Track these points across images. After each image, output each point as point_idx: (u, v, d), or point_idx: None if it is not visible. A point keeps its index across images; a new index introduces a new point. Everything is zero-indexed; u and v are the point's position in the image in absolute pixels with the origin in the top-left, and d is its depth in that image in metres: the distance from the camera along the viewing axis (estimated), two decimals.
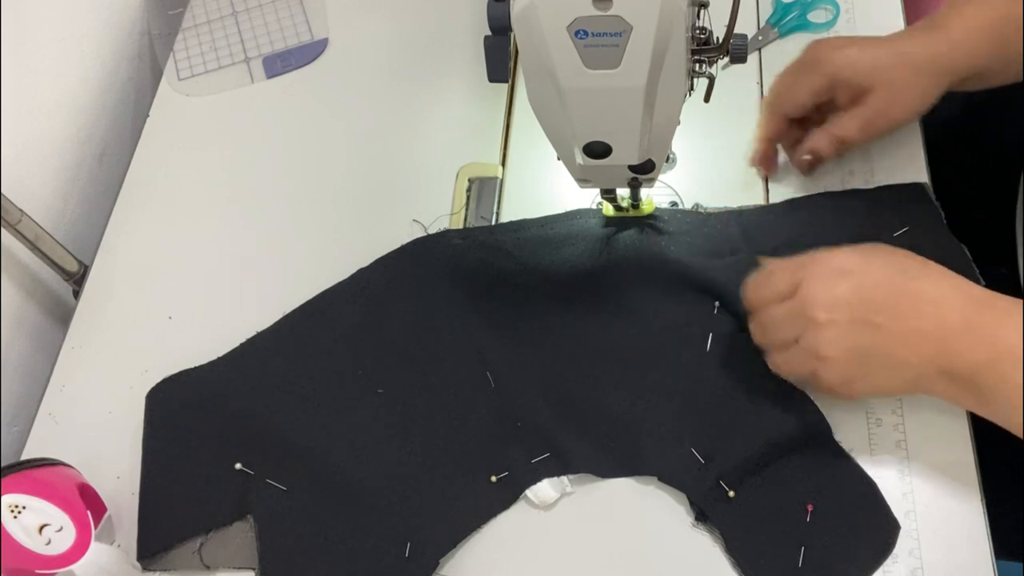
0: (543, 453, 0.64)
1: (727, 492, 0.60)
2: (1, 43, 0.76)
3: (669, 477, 0.62)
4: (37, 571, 0.60)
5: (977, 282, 0.64)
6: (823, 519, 0.60)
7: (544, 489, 0.63)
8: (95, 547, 0.61)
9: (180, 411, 0.69)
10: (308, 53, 0.88)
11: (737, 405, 0.63)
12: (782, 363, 0.61)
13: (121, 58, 0.92)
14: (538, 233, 0.73)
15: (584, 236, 0.72)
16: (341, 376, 0.69)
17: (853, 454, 0.62)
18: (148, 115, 0.87)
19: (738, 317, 0.65)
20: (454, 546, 0.62)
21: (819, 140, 0.69)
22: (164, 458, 0.67)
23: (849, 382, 0.59)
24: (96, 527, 0.61)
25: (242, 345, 0.71)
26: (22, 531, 0.59)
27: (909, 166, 0.72)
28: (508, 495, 0.63)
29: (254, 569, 0.63)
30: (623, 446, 0.63)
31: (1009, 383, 0.54)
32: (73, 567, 0.60)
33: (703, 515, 0.61)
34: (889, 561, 0.58)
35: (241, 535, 0.64)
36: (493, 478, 0.63)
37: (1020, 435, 0.57)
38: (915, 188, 0.70)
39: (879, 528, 0.60)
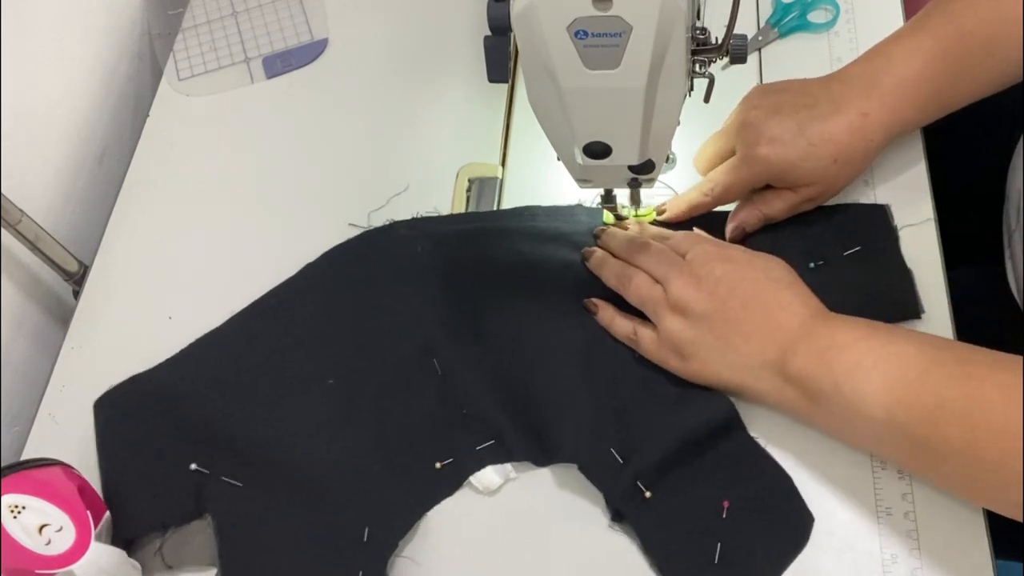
0: (488, 440, 0.65)
1: (643, 492, 0.60)
2: (1, 43, 0.76)
3: (589, 472, 0.62)
4: (37, 571, 0.60)
5: (917, 311, 0.65)
6: (739, 515, 0.60)
7: (488, 475, 0.64)
8: (95, 547, 0.61)
9: (130, 417, 0.69)
10: (308, 53, 0.88)
11: (661, 407, 0.64)
12: (640, 286, 0.65)
13: (121, 58, 0.92)
14: (485, 226, 0.74)
15: (530, 231, 0.72)
16: (291, 370, 0.69)
17: (853, 455, 0.62)
18: (148, 115, 0.87)
19: None
20: (407, 531, 0.63)
21: (748, 216, 0.69)
22: (119, 465, 0.67)
23: (684, 349, 0.62)
24: (96, 527, 0.61)
25: (190, 345, 0.71)
26: (22, 531, 0.59)
27: (910, 169, 0.72)
28: (452, 481, 0.64)
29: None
30: (552, 437, 0.64)
31: (835, 375, 0.57)
32: (73, 567, 0.60)
33: (619, 515, 0.62)
34: (889, 561, 0.58)
35: (200, 533, 0.65)
36: (438, 464, 0.64)
37: (853, 436, 0.60)
38: (877, 209, 0.70)
39: (793, 522, 0.60)
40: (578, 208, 0.74)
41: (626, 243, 0.68)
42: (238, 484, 0.65)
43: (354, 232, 0.75)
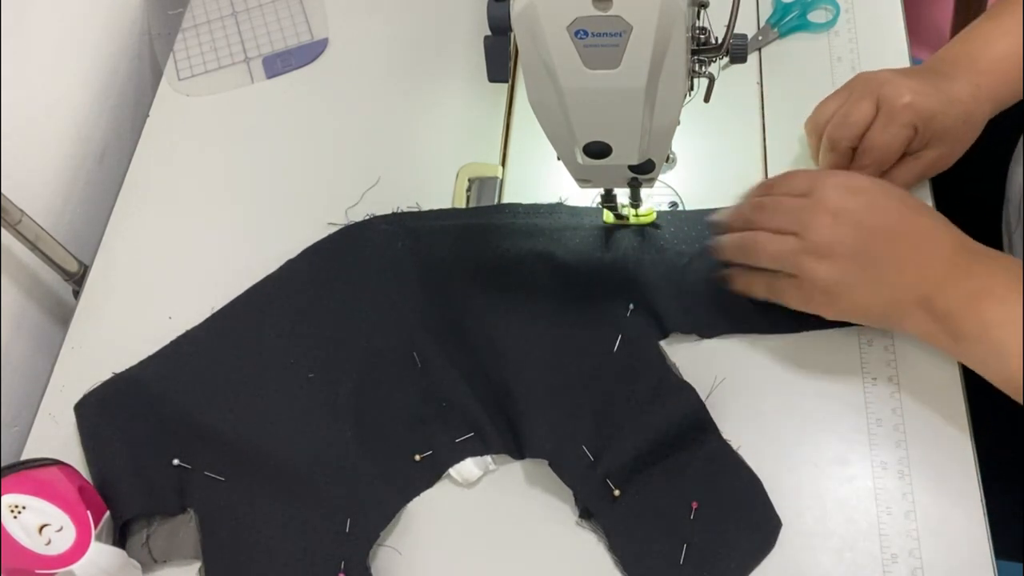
0: (467, 433, 0.65)
1: (612, 491, 0.61)
2: (1, 43, 0.76)
3: (559, 468, 0.62)
4: (37, 571, 0.60)
5: None
6: (707, 517, 0.60)
7: (468, 467, 0.65)
8: (95, 547, 0.61)
9: (112, 415, 0.69)
10: (308, 53, 0.88)
11: (634, 406, 0.64)
12: (768, 244, 0.62)
13: (121, 58, 0.92)
14: (465, 223, 0.74)
15: (511, 229, 0.73)
16: (272, 365, 0.70)
17: (853, 455, 0.62)
18: (148, 115, 0.87)
19: (649, 320, 0.67)
20: (388, 521, 0.63)
21: None
22: (102, 462, 0.67)
23: (834, 290, 0.60)
24: (96, 527, 0.61)
25: (172, 342, 0.72)
26: (22, 531, 0.59)
27: None
28: (432, 473, 0.65)
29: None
30: (525, 433, 0.64)
31: (985, 322, 0.57)
32: (73, 567, 0.60)
33: (587, 513, 0.62)
34: (889, 561, 0.59)
35: (184, 526, 0.65)
36: (417, 457, 0.65)
37: (993, 380, 0.59)
38: None
39: (761, 525, 0.60)
40: (559, 206, 0.74)
41: (737, 213, 0.66)
42: (220, 478, 0.66)
43: None
